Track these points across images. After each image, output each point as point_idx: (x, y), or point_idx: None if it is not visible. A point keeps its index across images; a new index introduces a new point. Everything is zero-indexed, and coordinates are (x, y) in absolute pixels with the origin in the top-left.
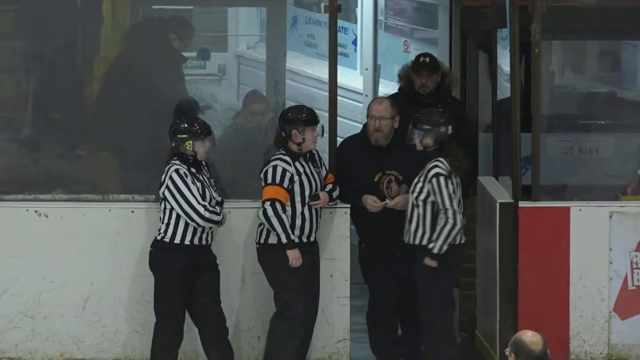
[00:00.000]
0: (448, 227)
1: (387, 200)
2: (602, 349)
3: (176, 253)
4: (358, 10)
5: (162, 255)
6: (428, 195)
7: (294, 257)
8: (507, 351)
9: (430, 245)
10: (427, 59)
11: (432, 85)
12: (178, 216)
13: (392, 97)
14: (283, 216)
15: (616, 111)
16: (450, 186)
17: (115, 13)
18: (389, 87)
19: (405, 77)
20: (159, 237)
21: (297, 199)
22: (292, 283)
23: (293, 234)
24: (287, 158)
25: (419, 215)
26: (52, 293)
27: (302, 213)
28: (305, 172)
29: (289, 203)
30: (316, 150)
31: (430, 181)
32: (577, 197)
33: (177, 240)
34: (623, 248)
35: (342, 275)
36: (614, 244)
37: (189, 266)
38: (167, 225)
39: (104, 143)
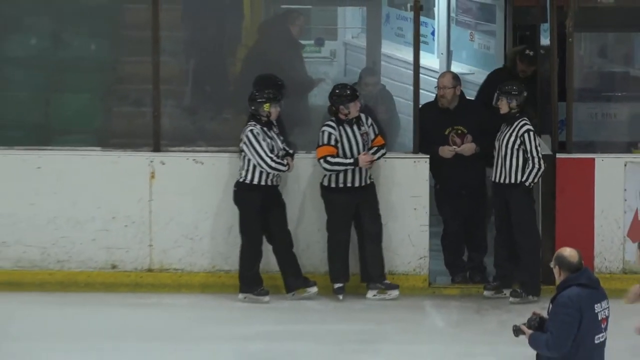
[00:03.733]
0: (535, 170)
1: (456, 147)
2: (618, 265)
3: (253, 191)
4: (435, 8)
5: (243, 193)
6: (520, 146)
7: (364, 161)
8: (552, 264)
9: (526, 182)
10: (531, 53)
11: (529, 72)
12: (254, 164)
13: (496, 72)
14: (334, 160)
15: (630, 86)
16: (536, 139)
17: (253, 11)
18: (458, 67)
19: (512, 59)
20: (240, 180)
21: (341, 154)
22: (335, 214)
23: (337, 180)
24: (333, 124)
25: (511, 161)
26: (206, 221)
27: (344, 164)
28: (347, 135)
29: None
30: (366, 116)
31: (522, 135)
32: (600, 151)
33: (255, 181)
34: (635, 189)
35: (423, 208)
36: (627, 185)
37: (263, 201)
38: (247, 171)
39: (244, 109)
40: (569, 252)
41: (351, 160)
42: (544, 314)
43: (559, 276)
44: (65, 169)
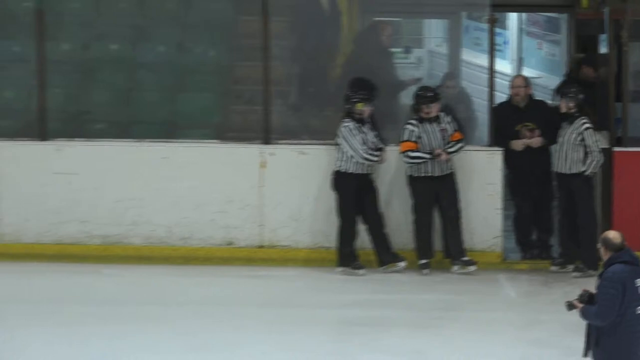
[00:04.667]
0: (594, 161)
1: (526, 140)
2: None
3: (348, 179)
4: (508, 21)
5: (340, 180)
6: (581, 141)
7: (437, 153)
8: (599, 245)
9: (586, 172)
10: (594, 61)
11: (593, 76)
12: (349, 155)
13: (562, 82)
14: (414, 154)
15: None
16: (595, 135)
17: (350, 23)
18: (527, 72)
19: (575, 68)
20: (337, 168)
21: (421, 148)
22: (418, 199)
23: (420, 170)
24: (415, 122)
25: (572, 154)
26: (309, 205)
27: (424, 158)
28: (427, 131)
29: (417, 148)
30: (446, 114)
31: (583, 132)
32: None
33: (350, 170)
34: None
35: (497, 194)
36: None
37: (357, 187)
38: (343, 161)
39: (342, 107)
40: (613, 235)
41: (429, 155)
42: (593, 290)
43: (604, 255)
44: (188, 159)
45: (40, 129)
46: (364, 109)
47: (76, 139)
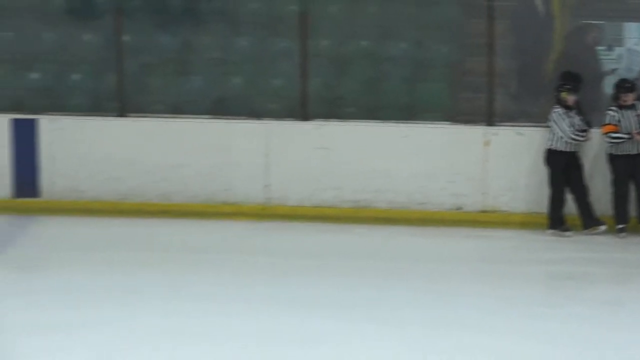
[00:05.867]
0: None
1: None
2: None
3: (558, 155)
4: None
5: (551, 156)
6: None
7: (634, 134)
8: None
9: None
10: None
11: None
12: (559, 136)
13: None
14: (615, 135)
15: None
16: None
17: (562, 24)
18: None
19: None
20: (548, 147)
21: (620, 130)
22: (617, 174)
23: (618, 149)
24: (614, 109)
25: None
26: (524, 177)
27: (622, 138)
28: (625, 116)
29: (618, 130)
30: (639, 102)
31: None
32: None
33: (560, 148)
34: None
35: None
36: None
37: (566, 162)
38: (554, 140)
39: (554, 96)
40: None
41: (627, 136)
42: None
43: None
44: (424, 138)
45: (303, 111)
46: (568, 97)
47: (332, 119)
